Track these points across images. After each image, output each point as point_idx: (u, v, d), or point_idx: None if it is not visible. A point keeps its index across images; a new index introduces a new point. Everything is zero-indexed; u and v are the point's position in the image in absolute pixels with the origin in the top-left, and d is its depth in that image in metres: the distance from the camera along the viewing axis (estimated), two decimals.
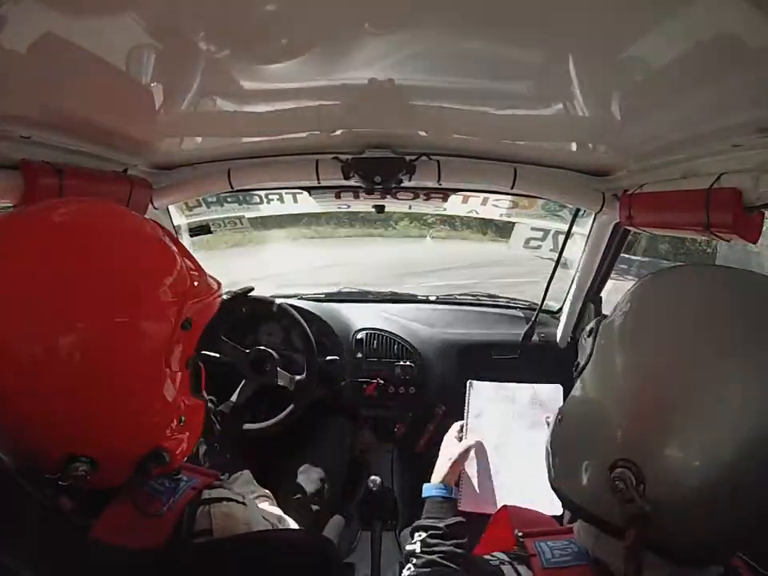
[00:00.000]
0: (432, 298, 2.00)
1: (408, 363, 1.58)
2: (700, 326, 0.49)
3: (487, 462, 1.11)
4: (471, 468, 1.08)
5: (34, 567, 0.47)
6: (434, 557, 0.81)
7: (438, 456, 1.04)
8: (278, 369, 1.44)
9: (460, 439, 1.08)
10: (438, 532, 0.86)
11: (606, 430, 0.52)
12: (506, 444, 1.11)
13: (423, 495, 0.97)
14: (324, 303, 1.79)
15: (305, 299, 1.83)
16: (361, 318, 1.71)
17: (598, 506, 0.52)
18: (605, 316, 0.59)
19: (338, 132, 1.09)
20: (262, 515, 0.71)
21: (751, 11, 0.47)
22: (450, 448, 1.05)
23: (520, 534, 0.62)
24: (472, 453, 1.06)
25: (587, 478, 0.53)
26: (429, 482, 0.99)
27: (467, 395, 1.20)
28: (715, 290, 0.52)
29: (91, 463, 0.51)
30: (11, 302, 0.49)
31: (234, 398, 1.43)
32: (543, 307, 1.65)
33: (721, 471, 0.45)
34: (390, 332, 1.64)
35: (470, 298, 2.01)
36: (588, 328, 0.60)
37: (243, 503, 0.64)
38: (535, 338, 1.66)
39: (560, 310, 1.76)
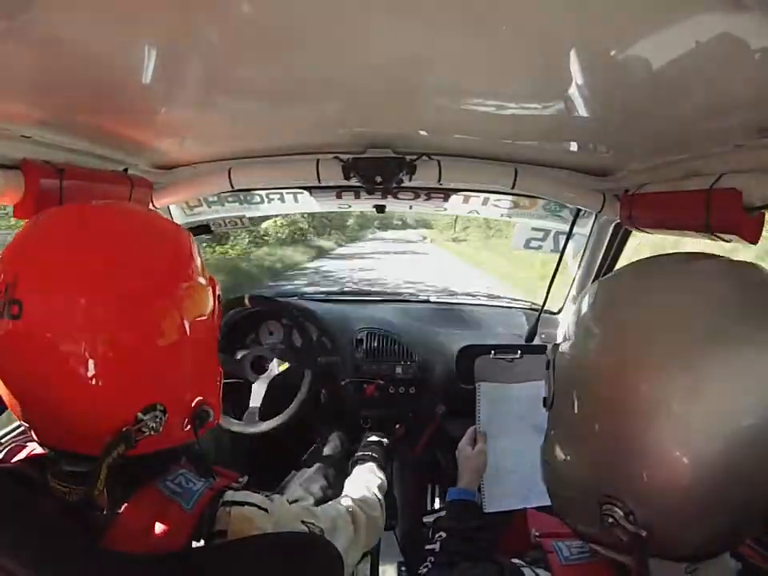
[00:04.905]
0: (432, 299, 2.00)
1: (408, 363, 1.57)
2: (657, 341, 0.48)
3: (504, 462, 1.12)
4: (490, 470, 1.09)
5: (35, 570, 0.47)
6: (453, 557, 0.81)
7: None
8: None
9: (474, 444, 1.09)
10: (458, 533, 0.86)
11: (583, 471, 0.53)
12: (518, 442, 1.12)
13: (447, 498, 0.98)
14: (324, 303, 1.79)
15: (305, 298, 1.83)
16: (361, 318, 1.71)
17: (600, 534, 0.53)
18: (557, 345, 0.59)
19: (339, 132, 1.09)
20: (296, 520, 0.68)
21: (753, 11, 0.47)
22: (468, 456, 1.07)
23: (537, 533, 0.62)
24: (489, 455, 1.07)
25: (582, 513, 0.54)
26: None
27: (477, 398, 1.20)
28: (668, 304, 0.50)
29: (163, 411, 0.59)
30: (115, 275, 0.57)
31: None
32: (545, 308, 1.64)
33: (704, 480, 0.45)
34: (390, 332, 1.63)
35: (470, 297, 2.01)
36: (546, 359, 0.60)
37: (265, 510, 0.62)
38: (537, 338, 1.66)
39: (561, 310, 1.76)
